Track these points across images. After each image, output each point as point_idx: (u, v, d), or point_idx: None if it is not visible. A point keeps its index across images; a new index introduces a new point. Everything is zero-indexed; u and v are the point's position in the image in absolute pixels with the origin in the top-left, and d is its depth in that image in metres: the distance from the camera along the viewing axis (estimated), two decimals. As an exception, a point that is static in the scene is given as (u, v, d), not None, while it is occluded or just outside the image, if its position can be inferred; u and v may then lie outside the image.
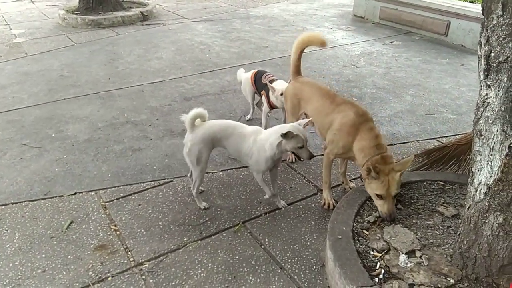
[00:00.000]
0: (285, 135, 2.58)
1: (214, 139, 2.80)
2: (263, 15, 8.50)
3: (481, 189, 2.00)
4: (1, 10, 8.85)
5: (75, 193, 3.14)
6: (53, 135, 3.96)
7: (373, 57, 6.15)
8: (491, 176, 1.94)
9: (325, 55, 6.16)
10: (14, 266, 2.49)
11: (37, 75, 5.37)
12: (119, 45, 6.55)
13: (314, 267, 2.48)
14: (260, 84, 3.89)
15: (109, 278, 2.40)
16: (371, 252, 2.34)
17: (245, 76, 4.13)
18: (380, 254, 2.32)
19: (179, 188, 3.23)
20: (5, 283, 2.37)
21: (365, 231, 2.49)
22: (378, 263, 2.26)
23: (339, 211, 2.61)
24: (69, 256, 2.56)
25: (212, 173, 3.41)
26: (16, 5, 9.37)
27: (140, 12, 7.96)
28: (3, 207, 3.00)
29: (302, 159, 2.75)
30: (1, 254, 2.57)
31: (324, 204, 2.98)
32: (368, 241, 2.42)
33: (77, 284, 2.36)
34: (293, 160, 3.52)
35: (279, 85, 3.65)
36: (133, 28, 7.50)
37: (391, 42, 6.83)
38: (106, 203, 3.04)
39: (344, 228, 2.46)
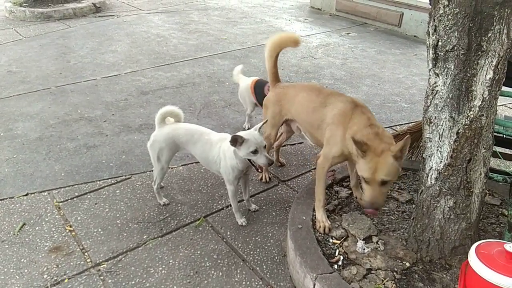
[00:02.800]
0: (233, 142, 2.36)
1: (177, 141, 2.70)
2: (221, 6, 8.41)
3: (432, 175, 2.07)
4: None
5: (26, 194, 2.99)
6: (1, 134, 3.74)
7: (330, 48, 6.23)
8: (441, 161, 2.01)
9: (284, 47, 6.17)
10: (-40, 274, 2.34)
11: (-18, 71, 5.05)
12: (71, 38, 6.27)
13: (276, 257, 2.50)
14: (261, 95, 3.48)
15: (66, 280, 2.31)
16: (330, 240, 2.38)
17: (245, 84, 3.79)
18: (338, 242, 2.36)
19: (137, 185, 3.15)
20: (-50, 292, 2.23)
21: (324, 220, 2.53)
22: (337, 250, 2.30)
23: (299, 201, 2.63)
24: (22, 260, 2.44)
25: (172, 168, 3.35)
26: (-44, -4, 8.76)
27: (93, 3, 7.65)
28: None
29: (259, 170, 2.50)
30: None
31: (320, 227, 2.43)
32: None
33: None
34: (267, 180, 3.19)
35: None
36: (86, 20, 7.20)
37: (347, 34, 6.95)
38: (60, 203, 2.92)
39: (304, 218, 2.48)
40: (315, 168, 3.34)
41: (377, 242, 2.33)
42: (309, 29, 7.11)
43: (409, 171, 2.96)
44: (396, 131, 3.73)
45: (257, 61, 5.64)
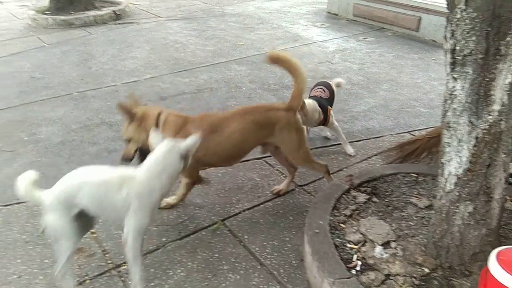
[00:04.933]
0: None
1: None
2: (238, 13, 8.50)
3: (451, 180, 2.06)
4: (-34, 11, 8.56)
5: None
6: (25, 138, 3.87)
7: (347, 53, 6.23)
8: (460, 166, 2.01)
9: (301, 52, 6.21)
10: (-13, 273, 2.43)
11: (7, 78, 5.22)
12: (92, 45, 6.43)
13: (293, 261, 2.51)
14: None
15: (87, 281, 2.37)
16: (348, 245, 2.38)
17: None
18: (356, 247, 2.36)
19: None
20: (-22, 291, 2.31)
21: (341, 225, 2.53)
22: (355, 255, 2.30)
23: (317, 206, 2.64)
24: (45, 261, 2.51)
25: (190, 172, 3.40)
26: (-17, 6, 9.08)
27: (113, 11, 7.83)
28: None
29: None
30: (-27, 261, 2.51)
31: None
32: (344, 234, 2.46)
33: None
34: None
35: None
36: (106, 27, 7.37)
37: (365, 39, 6.93)
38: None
39: (321, 222, 2.49)
40: (332, 173, 3.36)
41: (395, 248, 2.32)
42: (326, 35, 7.12)
43: (428, 176, 2.94)
44: (415, 136, 3.71)
45: (273, 67, 5.68)
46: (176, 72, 5.46)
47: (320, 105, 3.52)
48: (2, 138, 3.86)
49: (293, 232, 2.75)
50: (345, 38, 6.92)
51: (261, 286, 2.34)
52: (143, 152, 2.58)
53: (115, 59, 5.85)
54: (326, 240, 2.36)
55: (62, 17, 7.41)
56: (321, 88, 3.75)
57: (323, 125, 3.68)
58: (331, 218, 2.54)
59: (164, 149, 2.08)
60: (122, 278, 2.39)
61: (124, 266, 2.47)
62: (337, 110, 4.44)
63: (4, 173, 3.34)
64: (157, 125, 2.62)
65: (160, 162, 2.07)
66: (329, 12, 8.50)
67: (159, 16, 8.10)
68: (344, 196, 2.76)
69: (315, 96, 3.68)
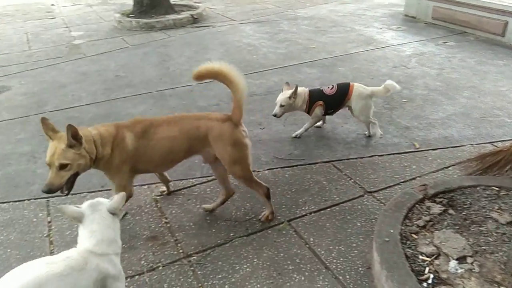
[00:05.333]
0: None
1: None
2: (311, 16, 8.48)
3: (540, 195, 1.91)
4: (61, 14, 9.42)
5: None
6: (109, 131, 4.18)
7: (425, 57, 5.96)
8: (552, 181, 1.84)
9: (374, 56, 6.05)
10: (73, 252, 2.66)
11: (95, 75, 5.68)
12: (170, 47, 6.79)
13: (360, 269, 2.47)
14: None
15: (160, 268, 2.51)
16: (420, 257, 2.29)
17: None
18: (429, 259, 2.26)
19: (226, 185, 3.31)
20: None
21: (413, 235, 2.44)
22: (427, 268, 2.21)
23: (387, 214, 2.57)
24: (123, 245, 2.65)
25: (258, 171, 3.47)
26: (75, 9, 9.93)
27: (191, 15, 8.19)
28: (65, 197, 3.20)
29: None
30: (61, 240, 2.76)
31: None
32: (416, 245, 2.37)
33: (130, 271, 2.49)
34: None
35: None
36: (184, 30, 7.73)
37: (444, 43, 6.58)
38: (158, 197, 3.18)
39: (391, 231, 2.42)
40: (405, 181, 3.25)
41: (472, 264, 2.19)
42: (402, 38, 6.87)
43: (511, 190, 2.73)
44: (498, 147, 3.46)
45: (345, 70, 5.60)
46: (247, 74, 5.58)
47: (311, 96, 3.84)
48: (89, 130, 4.21)
49: (361, 239, 2.70)
50: (423, 42, 6.62)
51: (326, 290, 2.32)
52: (71, 180, 2.43)
53: (191, 61, 6.12)
54: (397, 249, 2.29)
55: (145, 20, 7.90)
56: (332, 85, 3.89)
57: (308, 113, 3.94)
58: (403, 227, 2.46)
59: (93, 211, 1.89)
60: (192, 268, 2.50)
61: (194, 256, 2.59)
62: (412, 117, 4.28)
63: (90, 163, 3.64)
64: (95, 146, 2.47)
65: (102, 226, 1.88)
66: (406, 15, 8.18)
67: (233, 20, 8.33)
68: (417, 205, 2.65)
69: (317, 88, 3.98)
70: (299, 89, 3.82)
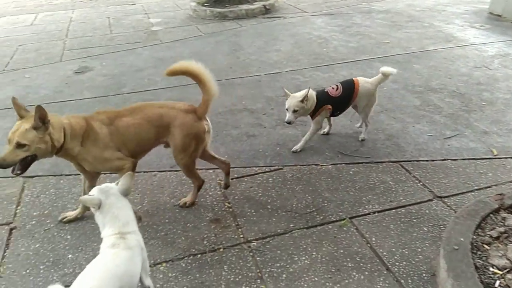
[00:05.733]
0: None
1: None
2: (386, 9, 8.15)
3: None
4: (141, 0, 9.89)
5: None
6: (180, 115, 4.36)
7: (510, 59, 5.51)
8: None
9: (453, 54, 5.70)
10: (142, 226, 2.82)
11: (170, 61, 5.82)
12: (242, 37, 6.88)
13: (424, 275, 2.37)
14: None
15: (221, 249, 2.60)
16: (491, 269, 2.15)
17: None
18: (501, 272, 2.12)
19: (288, 176, 3.33)
20: (134, 239, 2.71)
21: (485, 246, 2.30)
22: (498, 281, 2.07)
23: (458, 221, 2.44)
24: (188, 224, 2.83)
25: (322, 165, 3.44)
26: (155, -3, 10.38)
27: (263, 5, 8.23)
28: (136, 174, 3.40)
29: None
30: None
31: None
32: (488, 256, 2.23)
33: (193, 250, 2.60)
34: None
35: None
36: (255, 21, 7.80)
37: (535, 44, 6.04)
38: (221, 181, 3.27)
39: (462, 239, 2.30)
40: (479, 189, 3.06)
41: (551, 283, 2.02)
42: (485, 37, 6.39)
43: None
44: None
45: (420, 67, 5.35)
46: (316, 67, 5.52)
47: (318, 98, 3.54)
48: (161, 113, 4.41)
49: (426, 244, 2.59)
50: (509, 43, 6.12)
51: (386, 292, 2.27)
52: (26, 162, 2.40)
53: (260, 51, 6.17)
54: (466, 259, 2.17)
55: (218, 10, 8.07)
56: (335, 85, 3.65)
57: (312, 117, 3.63)
58: (474, 237, 2.32)
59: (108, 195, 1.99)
60: (252, 253, 2.55)
61: (253, 242, 2.65)
62: (491, 121, 4.01)
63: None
64: (64, 135, 2.48)
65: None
66: (491, 13, 7.59)
67: (305, 11, 8.24)
68: (491, 215, 2.49)
69: (322, 89, 3.68)
70: (305, 90, 3.50)
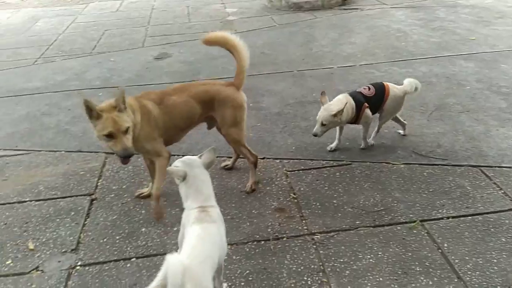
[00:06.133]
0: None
1: None
2: (473, 4, 7.58)
3: None
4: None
5: (263, 158, 3.46)
6: (251, 104, 4.38)
7: None
8: None
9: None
10: (210, 208, 2.93)
11: (243, 50, 6.01)
12: (316, 28, 6.79)
13: (499, 287, 2.22)
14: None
15: (285, 239, 2.62)
16: None
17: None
18: None
19: (356, 172, 3.26)
20: (202, 220, 2.82)
21: None
22: None
23: (544, 235, 2.24)
24: (253, 211, 2.89)
25: (393, 164, 3.32)
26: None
27: (340, -4, 8.04)
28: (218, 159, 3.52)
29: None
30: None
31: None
32: None
33: (258, 236, 2.65)
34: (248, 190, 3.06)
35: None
36: (331, 12, 7.64)
37: None
38: (288, 172, 3.29)
39: (547, 255, 2.11)
40: None
41: None
42: None
43: None
44: None
45: (508, 67, 4.93)
46: (393, 62, 5.30)
47: (355, 101, 3.33)
48: (233, 101, 4.51)
49: (504, 256, 2.41)
50: None
51: (456, 301, 2.15)
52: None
53: (334, 43, 6.05)
54: (551, 276, 1.99)
55: (294, 0, 8.00)
56: (367, 86, 3.46)
57: (355, 123, 3.43)
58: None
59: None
60: (315, 246, 2.55)
61: (317, 235, 2.64)
62: None
63: (231, 131, 3.92)
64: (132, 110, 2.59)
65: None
66: None
67: (384, 4, 7.92)
68: None
69: (355, 91, 3.46)
70: (342, 98, 3.33)
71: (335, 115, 3.19)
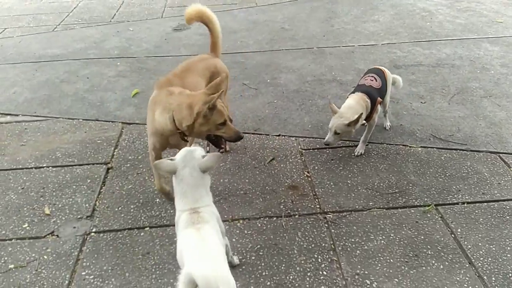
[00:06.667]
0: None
1: None
2: (505, -16, 7.27)
3: None
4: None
5: (279, 135, 3.45)
6: (268, 80, 4.38)
7: None
8: None
9: None
10: (223, 182, 2.95)
11: (263, 25, 5.91)
12: (338, 4, 6.61)
13: (510, 274, 2.21)
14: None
15: (296, 216, 2.63)
16: None
17: None
18: None
19: (372, 154, 3.23)
20: (215, 194, 2.83)
21: None
22: None
23: (562, 225, 2.20)
24: (266, 187, 2.89)
25: (411, 147, 3.27)
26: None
27: (365, -28, 7.77)
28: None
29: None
30: (215, 172, 3.06)
31: None
32: None
33: (270, 212, 2.67)
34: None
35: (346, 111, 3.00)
36: (355, -12, 7.41)
37: None
38: (303, 150, 3.27)
39: None
40: None
41: None
42: None
43: None
44: None
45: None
46: (416, 42, 5.15)
47: (370, 98, 3.06)
48: (250, 76, 4.47)
49: (518, 244, 2.38)
50: None
51: (465, 285, 2.15)
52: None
53: (357, 20, 5.89)
54: None
55: (317, -25, 7.78)
56: (371, 76, 3.18)
57: (366, 120, 3.14)
58: None
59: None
60: (327, 225, 2.55)
61: (329, 214, 2.64)
62: None
63: (247, 106, 3.90)
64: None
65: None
66: None
67: (410, -19, 7.65)
68: None
69: (364, 85, 3.17)
70: (357, 101, 3.03)
71: (348, 125, 2.92)
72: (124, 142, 3.43)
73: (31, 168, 3.14)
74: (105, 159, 3.23)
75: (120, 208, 2.75)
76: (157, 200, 2.80)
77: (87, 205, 2.77)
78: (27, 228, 2.60)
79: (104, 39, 5.55)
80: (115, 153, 3.30)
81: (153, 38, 5.59)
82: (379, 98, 3.14)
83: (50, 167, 3.14)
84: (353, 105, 3.02)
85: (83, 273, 2.28)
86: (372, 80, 3.20)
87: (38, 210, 2.74)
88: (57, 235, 2.53)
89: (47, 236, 2.53)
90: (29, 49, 5.33)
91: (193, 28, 5.89)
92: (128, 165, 3.16)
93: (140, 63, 4.82)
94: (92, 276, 2.27)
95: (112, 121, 3.71)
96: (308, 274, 2.24)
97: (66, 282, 2.23)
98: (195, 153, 1.89)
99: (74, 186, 2.94)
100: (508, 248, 2.36)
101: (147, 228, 2.57)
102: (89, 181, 2.99)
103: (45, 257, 2.39)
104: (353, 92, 3.17)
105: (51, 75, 4.61)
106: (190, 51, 5.10)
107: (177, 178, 1.87)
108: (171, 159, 1.90)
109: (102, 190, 2.92)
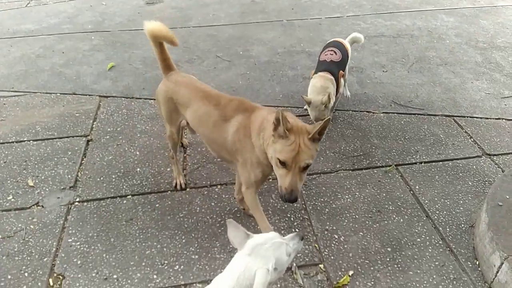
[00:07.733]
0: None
1: None
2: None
3: None
4: None
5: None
6: (240, 52, 4.28)
7: None
8: None
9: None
10: (201, 151, 2.90)
11: (234, -2, 5.72)
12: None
13: (462, 225, 2.30)
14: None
15: (270, 180, 2.60)
16: (534, 229, 2.04)
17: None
18: (545, 234, 2.00)
19: (339, 120, 3.24)
20: (193, 163, 2.80)
21: (532, 207, 2.16)
22: (540, 242, 1.97)
23: (506, 179, 2.31)
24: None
25: (374, 113, 3.31)
26: None
27: None
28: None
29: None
30: (192, 141, 3.01)
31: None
32: (533, 217, 2.11)
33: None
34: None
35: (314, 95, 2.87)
36: (321, -38, 7.23)
37: None
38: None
39: (507, 197, 2.18)
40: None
41: None
42: None
43: None
44: None
45: (487, 23, 4.83)
46: (378, 14, 5.13)
47: (332, 74, 2.95)
48: (223, 49, 4.35)
49: (469, 198, 2.49)
50: None
51: (424, 236, 2.24)
52: None
53: (323, -6, 5.78)
54: (509, 215, 2.07)
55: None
56: (331, 51, 3.08)
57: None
58: None
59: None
60: (298, 187, 2.57)
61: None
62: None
63: (221, 78, 3.81)
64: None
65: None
66: None
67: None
68: (543, 178, 2.31)
69: (324, 61, 3.04)
70: (320, 82, 2.93)
71: (326, 106, 2.82)
72: (103, 115, 3.31)
73: (12, 142, 3.00)
74: (85, 132, 3.11)
75: (102, 178, 2.68)
76: (138, 169, 2.74)
77: (69, 176, 2.68)
78: (12, 200, 2.50)
79: (78, 14, 5.25)
80: (94, 125, 3.19)
81: (126, 12, 5.32)
82: (341, 72, 3.05)
83: (31, 141, 3.01)
84: (320, 87, 2.90)
85: (69, 240, 2.24)
86: (332, 54, 3.09)
87: (21, 182, 2.63)
88: (42, 206, 2.46)
89: (32, 207, 2.45)
90: (3, 25, 4.99)
91: (166, 1, 5.65)
92: (108, 137, 3.06)
93: (114, 37, 4.60)
94: (78, 243, 2.22)
95: (89, 95, 3.56)
96: (282, 231, 2.27)
97: (54, 249, 2.18)
98: (258, 271, 1.37)
99: (55, 159, 2.83)
100: (461, 202, 2.46)
101: (129, 196, 2.53)
102: (70, 153, 2.89)
103: (32, 226, 2.32)
104: (315, 73, 3.05)
105: (27, 50, 4.34)
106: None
107: (234, 258, 1.47)
108: (248, 233, 1.49)
109: (83, 161, 2.83)
